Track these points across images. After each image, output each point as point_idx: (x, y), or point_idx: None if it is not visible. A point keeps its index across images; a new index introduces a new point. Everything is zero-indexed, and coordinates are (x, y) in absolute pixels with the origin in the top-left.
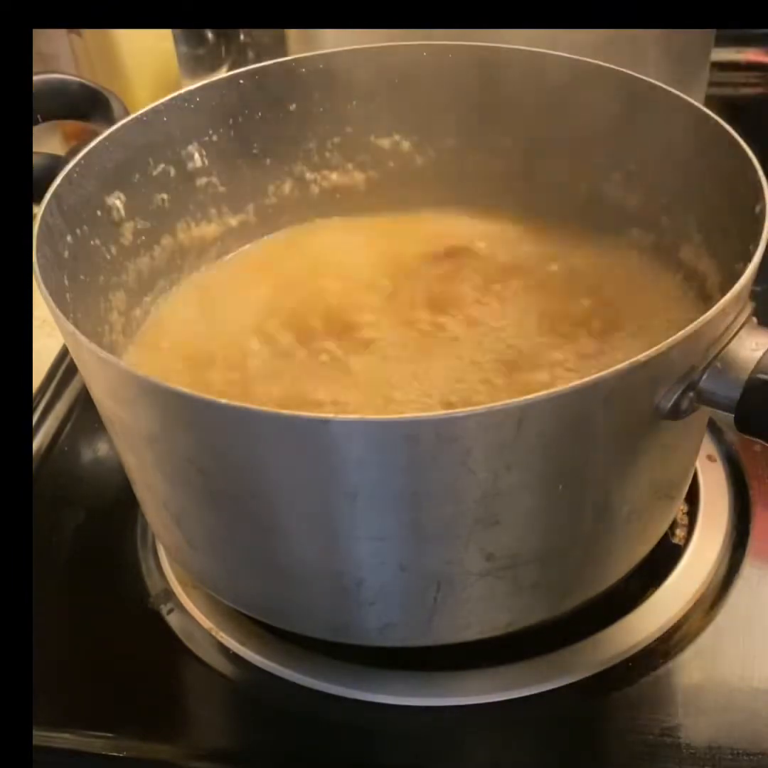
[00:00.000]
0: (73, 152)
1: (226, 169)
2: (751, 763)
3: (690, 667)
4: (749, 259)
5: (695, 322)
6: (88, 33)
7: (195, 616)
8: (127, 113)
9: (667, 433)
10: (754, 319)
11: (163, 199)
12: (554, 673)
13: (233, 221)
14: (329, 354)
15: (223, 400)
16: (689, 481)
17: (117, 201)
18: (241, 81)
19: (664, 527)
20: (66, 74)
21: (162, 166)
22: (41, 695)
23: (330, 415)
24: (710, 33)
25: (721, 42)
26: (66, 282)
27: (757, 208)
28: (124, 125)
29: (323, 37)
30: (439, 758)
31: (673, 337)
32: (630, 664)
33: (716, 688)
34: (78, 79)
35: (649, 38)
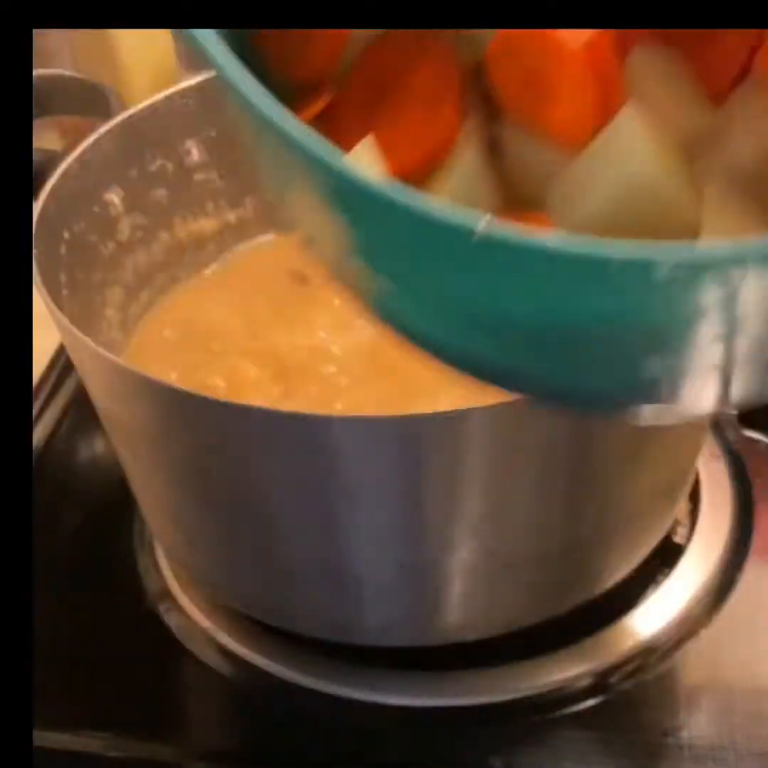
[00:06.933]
0: (70, 148)
1: (224, 164)
2: (753, 764)
3: (691, 667)
4: None
5: None
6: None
7: (193, 615)
8: (125, 108)
9: (668, 433)
10: None
11: (161, 195)
12: (554, 673)
13: (231, 216)
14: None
15: (222, 398)
16: (691, 481)
17: (114, 196)
18: None
19: (665, 527)
20: (64, 70)
21: (160, 161)
22: (41, 695)
23: (329, 414)
24: None
25: None
26: (63, 278)
27: None
28: (121, 120)
29: None
30: (439, 758)
31: None
32: (630, 663)
33: (718, 687)
34: (75, 75)
35: None
